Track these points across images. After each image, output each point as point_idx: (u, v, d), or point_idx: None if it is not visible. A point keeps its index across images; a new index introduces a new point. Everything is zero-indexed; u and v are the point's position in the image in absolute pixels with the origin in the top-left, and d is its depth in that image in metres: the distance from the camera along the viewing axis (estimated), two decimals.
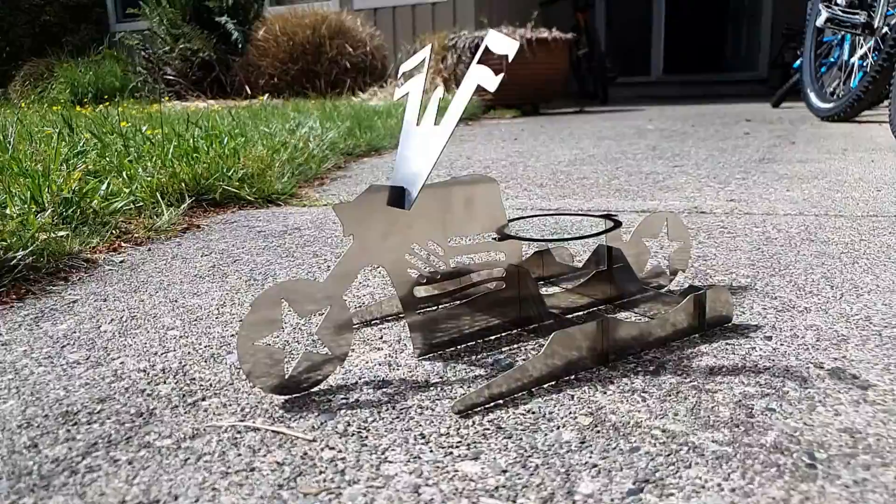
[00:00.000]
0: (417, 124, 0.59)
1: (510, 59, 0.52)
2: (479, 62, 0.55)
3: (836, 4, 2.75)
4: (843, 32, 2.83)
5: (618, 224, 0.69)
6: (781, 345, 0.62)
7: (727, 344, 0.62)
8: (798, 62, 3.31)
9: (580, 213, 1.05)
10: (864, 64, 2.73)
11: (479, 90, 0.53)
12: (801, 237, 1.00)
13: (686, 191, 1.43)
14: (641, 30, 6.47)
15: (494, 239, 0.65)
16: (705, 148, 2.15)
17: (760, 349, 0.61)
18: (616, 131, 2.84)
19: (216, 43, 4.80)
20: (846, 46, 2.92)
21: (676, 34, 6.44)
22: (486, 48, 0.56)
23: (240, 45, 4.78)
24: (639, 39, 6.48)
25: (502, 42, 0.54)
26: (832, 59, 3.04)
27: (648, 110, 4.07)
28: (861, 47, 2.80)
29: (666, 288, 0.77)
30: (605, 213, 0.73)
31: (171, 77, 4.83)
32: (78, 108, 3.84)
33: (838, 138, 2.27)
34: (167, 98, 4.61)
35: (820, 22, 2.76)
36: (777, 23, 5.77)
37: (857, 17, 2.64)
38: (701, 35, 6.75)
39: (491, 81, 0.53)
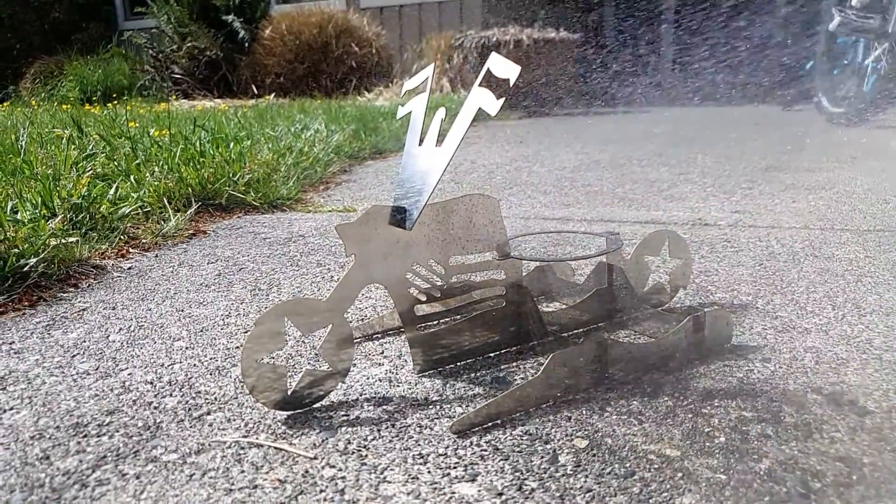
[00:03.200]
0: (420, 144, 0.60)
1: (511, 84, 0.53)
2: (480, 84, 0.55)
3: (850, 8, 2.74)
4: (856, 36, 2.81)
5: (619, 244, 0.69)
6: (780, 367, 0.62)
7: (725, 366, 0.63)
8: (810, 64, 3.30)
9: (582, 231, 1.06)
10: (878, 67, 2.72)
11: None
12: (804, 252, 1.00)
13: (691, 201, 1.43)
14: (649, 29, 6.43)
15: (495, 258, 0.65)
16: (712, 154, 2.15)
17: (758, 372, 0.61)
18: (622, 134, 2.84)
19: (223, 42, 4.82)
20: (860, 49, 2.90)
21: (685, 34, 6.40)
22: (488, 71, 0.56)
23: (246, 44, 4.80)
24: (646, 39, 6.45)
25: (504, 66, 0.54)
26: (845, 62, 3.02)
27: (656, 112, 4.06)
28: (875, 50, 2.78)
29: (667, 305, 0.78)
30: (608, 231, 0.73)
31: (178, 76, 4.86)
32: (87, 106, 3.87)
33: (848, 145, 2.26)
34: (174, 97, 4.64)
35: (832, 26, 2.74)
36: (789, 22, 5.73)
37: (870, 21, 2.63)
38: (709, 34, 6.70)
39: (492, 105, 0.53)
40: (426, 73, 0.64)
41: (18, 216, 1.07)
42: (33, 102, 4.17)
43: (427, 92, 0.62)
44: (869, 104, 2.63)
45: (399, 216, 0.58)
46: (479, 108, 0.54)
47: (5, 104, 4.13)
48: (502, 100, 0.52)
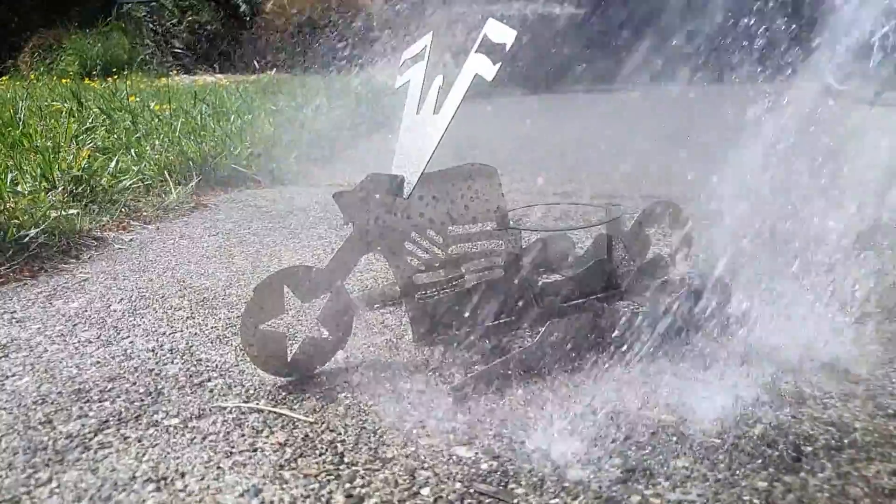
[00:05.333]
0: (417, 113, 0.59)
1: (507, 49, 0.52)
2: (477, 50, 0.55)
3: None
4: (863, 11, 2.78)
5: (618, 215, 0.69)
6: (777, 336, 0.62)
7: (722, 334, 0.63)
8: (816, 41, 3.26)
9: (582, 203, 1.05)
10: (886, 44, 2.68)
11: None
12: (806, 226, 1.00)
13: (694, 175, 1.43)
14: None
15: (494, 228, 0.65)
16: (717, 130, 2.13)
17: (755, 340, 0.62)
18: (628, 111, 2.81)
19: (224, 16, 4.76)
20: (867, 25, 2.86)
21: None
22: (485, 36, 0.56)
23: (248, 18, 4.75)
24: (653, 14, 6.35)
25: (500, 31, 0.54)
26: (852, 39, 2.98)
27: (662, 88, 4.01)
28: (883, 26, 2.74)
29: (666, 277, 0.78)
30: (608, 202, 0.73)
31: (178, 50, 4.81)
32: (87, 80, 3.84)
33: (852, 121, 2.24)
34: (175, 71, 4.59)
35: (838, 1, 2.70)
36: None
37: None
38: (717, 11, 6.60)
39: (489, 71, 0.53)
40: (424, 41, 0.63)
41: (18, 188, 1.07)
42: (32, 76, 4.14)
43: (426, 60, 0.61)
44: (874, 81, 2.60)
45: (397, 184, 0.58)
46: (476, 74, 0.54)
47: (4, 78, 4.10)
48: (499, 65, 0.52)
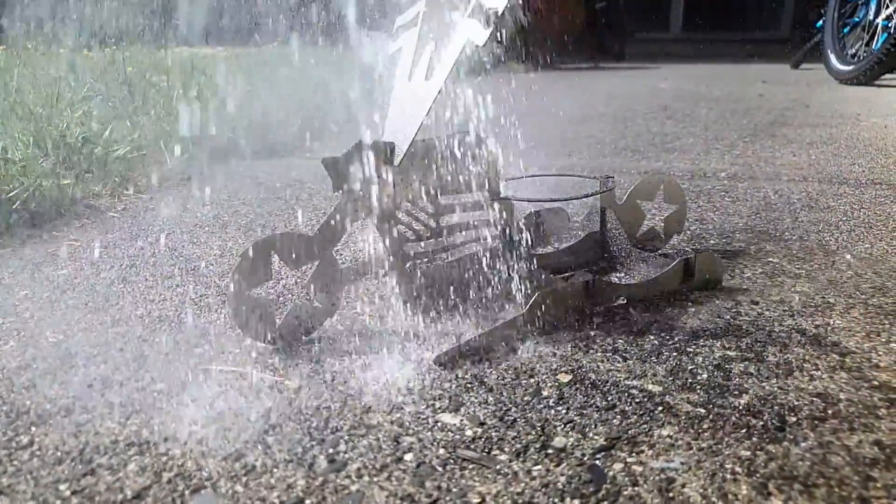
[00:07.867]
0: (409, 79, 0.58)
1: (500, 14, 0.51)
2: (468, 15, 0.54)
3: None
4: None
5: (611, 187, 0.68)
6: (767, 310, 0.62)
7: (713, 307, 0.63)
8: (821, 22, 3.21)
9: (577, 175, 1.04)
10: (890, 25, 2.64)
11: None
12: (801, 203, 0.99)
13: (692, 153, 1.42)
14: None
15: (487, 198, 0.65)
16: (717, 109, 2.11)
17: (746, 313, 0.61)
18: (629, 89, 2.78)
19: None
20: (872, 6, 2.82)
21: None
22: (477, 1, 0.54)
23: None
24: None
25: None
26: (856, 20, 2.93)
27: (664, 68, 3.97)
28: (887, 7, 2.71)
29: (660, 250, 0.77)
30: (603, 175, 0.72)
31: (179, 21, 4.74)
32: (85, 51, 3.79)
33: (854, 102, 2.21)
34: (175, 43, 4.54)
35: None
36: None
37: None
38: None
39: (480, 35, 0.52)
40: (418, 7, 0.62)
41: (10, 155, 1.06)
42: (29, 46, 4.09)
43: (418, 27, 0.60)
44: (877, 62, 2.57)
45: (387, 151, 0.57)
46: (468, 40, 0.53)
47: (0, 48, 4.05)
48: (490, 30, 0.51)
